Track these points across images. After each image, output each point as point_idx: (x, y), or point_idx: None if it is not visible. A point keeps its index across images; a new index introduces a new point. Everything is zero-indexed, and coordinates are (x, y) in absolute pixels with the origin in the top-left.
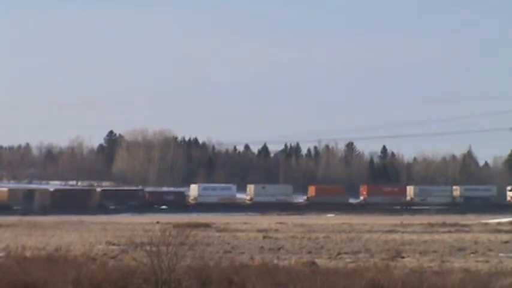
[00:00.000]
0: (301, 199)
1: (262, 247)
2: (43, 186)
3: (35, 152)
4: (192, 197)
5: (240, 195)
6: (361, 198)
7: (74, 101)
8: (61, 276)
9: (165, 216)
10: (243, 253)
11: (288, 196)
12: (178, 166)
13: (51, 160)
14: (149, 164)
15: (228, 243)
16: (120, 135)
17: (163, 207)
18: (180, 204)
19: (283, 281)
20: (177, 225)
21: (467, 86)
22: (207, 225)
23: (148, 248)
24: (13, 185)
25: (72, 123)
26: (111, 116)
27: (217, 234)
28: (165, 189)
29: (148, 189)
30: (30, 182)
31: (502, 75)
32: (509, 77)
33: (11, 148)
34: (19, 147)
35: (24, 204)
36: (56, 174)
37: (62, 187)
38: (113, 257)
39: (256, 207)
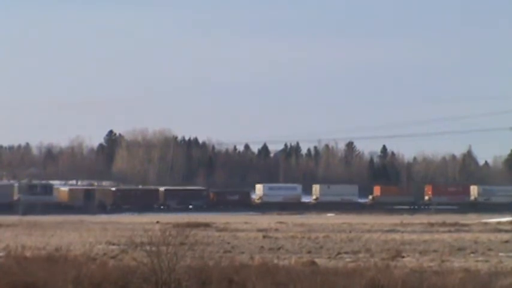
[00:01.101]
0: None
1: (262, 247)
2: (105, 187)
3: (35, 151)
4: (257, 197)
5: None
6: (426, 198)
7: (74, 101)
8: (61, 276)
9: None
10: (243, 253)
11: (354, 196)
12: (178, 166)
13: (51, 160)
14: (149, 164)
15: (228, 243)
16: (120, 135)
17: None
18: (245, 203)
19: (283, 280)
20: (176, 225)
21: (467, 86)
22: (206, 225)
23: (148, 247)
24: (73, 186)
25: (72, 123)
26: (111, 116)
27: (217, 234)
28: (230, 189)
29: (213, 189)
30: (30, 182)
31: (502, 75)
32: (509, 77)
33: (11, 148)
34: (19, 147)
35: (84, 203)
36: (56, 174)
37: (124, 187)
38: (113, 257)
39: (321, 207)
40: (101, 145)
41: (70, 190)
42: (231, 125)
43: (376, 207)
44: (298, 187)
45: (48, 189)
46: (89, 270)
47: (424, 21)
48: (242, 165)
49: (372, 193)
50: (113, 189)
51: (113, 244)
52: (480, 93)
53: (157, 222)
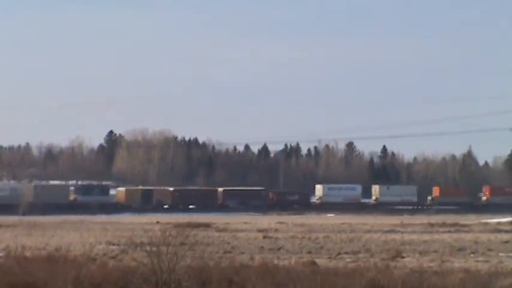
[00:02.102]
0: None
1: (262, 247)
2: (162, 187)
3: (35, 152)
4: (317, 197)
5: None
6: (484, 198)
7: (74, 101)
8: (61, 276)
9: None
10: (243, 253)
11: (413, 196)
12: (178, 166)
13: (51, 160)
14: (149, 164)
15: (228, 243)
16: (120, 135)
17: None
18: (304, 204)
19: (283, 281)
20: (177, 225)
21: (467, 86)
22: (207, 225)
23: (148, 248)
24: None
25: (72, 123)
26: (111, 116)
27: (217, 234)
28: (288, 189)
29: (273, 189)
30: (30, 182)
31: (502, 75)
32: (509, 77)
33: (11, 148)
34: (19, 147)
35: (141, 203)
36: (56, 174)
37: (181, 187)
38: (113, 257)
39: (381, 207)
40: (101, 145)
41: (127, 190)
42: (231, 125)
43: (433, 207)
44: (358, 187)
45: (105, 190)
46: (89, 271)
47: (424, 21)
48: (242, 165)
49: (432, 194)
50: (171, 189)
51: (113, 244)
52: (480, 93)
53: (158, 222)
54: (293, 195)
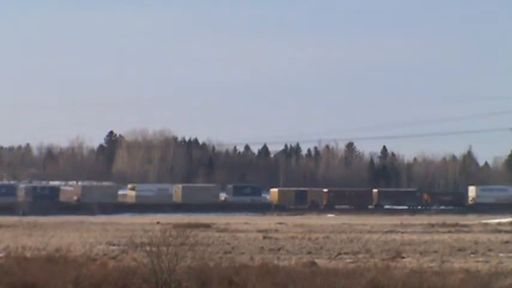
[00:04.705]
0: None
1: (262, 247)
2: (316, 188)
3: (35, 152)
4: (470, 198)
5: None
6: None
7: (74, 101)
8: (61, 276)
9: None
10: (243, 253)
11: None
12: (178, 166)
13: (51, 160)
14: (149, 164)
15: (228, 244)
16: (120, 135)
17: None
18: (458, 204)
19: (283, 281)
20: (177, 226)
21: (468, 86)
22: (207, 226)
23: (148, 248)
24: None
25: (72, 123)
26: (111, 116)
27: (217, 234)
28: (442, 190)
29: (426, 190)
30: (30, 182)
31: (502, 75)
32: (509, 77)
33: (11, 148)
34: (19, 147)
35: (295, 204)
36: (56, 174)
37: (336, 188)
38: (113, 258)
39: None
40: (101, 145)
41: (281, 191)
42: (231, 125)
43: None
44: (510, 189)
45: (257, 190)
46: (89, 271)
47: (424, 21)
48: (242, 165)
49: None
50: (325, 190)
51: (113, 245)
52: (480, 93)
53: (158, 222)
54: (447, 195)
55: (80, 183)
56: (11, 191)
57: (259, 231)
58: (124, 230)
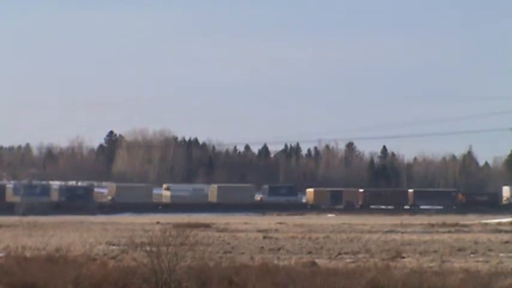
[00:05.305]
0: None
1: (262, 247)
2: (352, 189)
3: (35, 152)
4: (504, 198)
5: None
6: None
7: (74, 101)
8: (61, 276)
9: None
10: (243, 253)
11: None
12: (178, 166)
13: (51, 160)
14: (149, 164)
15: (228, 244)
16: (120, 135)
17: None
18: (494, 205)
19: (283, 281)
20: (177, 226)
21: (467, 86)
22: (207, 226)
23: (148, 248)
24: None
25: (72, 123)
26: (111, 116)
27: (217, 234)
28: (478, 191)
29: (462, 190)
30: (30, 182)
31: (502, 75)
32: (509, 77)
33: (11, 148)
34: (19, 147)
35: (331, 204)
36: (56, 174)
37: (372, 188)
38: (113, 258)
39: None
40: (101, 145)
41: (316, 191)
42: (231, 125)
43: None
44: None
45: (293, 190)
46: (89, 271)
47: (424, 21)
48: (242, 165)
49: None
50: (361, 190)
51: (113, 244)
52: (480, 93)
53: (158, 222)
54: (482, 195)
55: (114, 184)
56: (45, 191)
57: (259, 231)
58: (124, 229)
